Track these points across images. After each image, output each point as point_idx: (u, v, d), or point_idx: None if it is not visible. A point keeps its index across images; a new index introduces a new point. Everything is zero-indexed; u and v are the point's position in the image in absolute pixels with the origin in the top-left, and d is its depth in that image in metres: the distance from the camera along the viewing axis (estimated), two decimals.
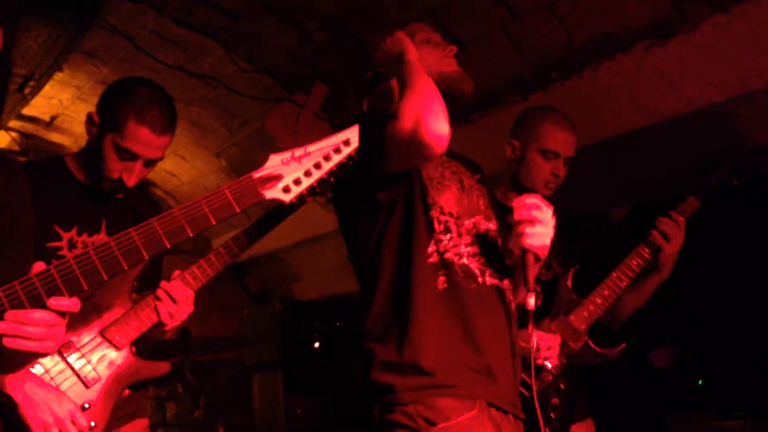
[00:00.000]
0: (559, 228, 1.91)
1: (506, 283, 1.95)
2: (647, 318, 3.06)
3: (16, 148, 5.72)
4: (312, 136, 1.50)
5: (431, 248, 1.84)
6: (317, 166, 1.42)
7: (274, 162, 1.42)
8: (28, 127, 5.53)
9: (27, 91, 4.54)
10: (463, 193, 1.96)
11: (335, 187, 1.79)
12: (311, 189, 1.43)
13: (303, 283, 5.72)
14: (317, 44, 3.74)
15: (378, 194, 1.86)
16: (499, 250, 1.97)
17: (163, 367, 2.18)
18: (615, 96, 2.96)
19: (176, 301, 2.08)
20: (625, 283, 2.51)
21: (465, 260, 1.87)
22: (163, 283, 2.11)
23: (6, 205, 1.51)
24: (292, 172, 1.41)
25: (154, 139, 2.11)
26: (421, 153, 1.72)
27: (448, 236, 1.87)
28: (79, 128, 4.90)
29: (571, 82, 3.11)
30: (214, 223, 1.39)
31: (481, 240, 1.93)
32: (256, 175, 1.40)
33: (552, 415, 2.42)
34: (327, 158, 1.43)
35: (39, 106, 4.99)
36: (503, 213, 2.09)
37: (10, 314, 1.29)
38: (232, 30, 3.83)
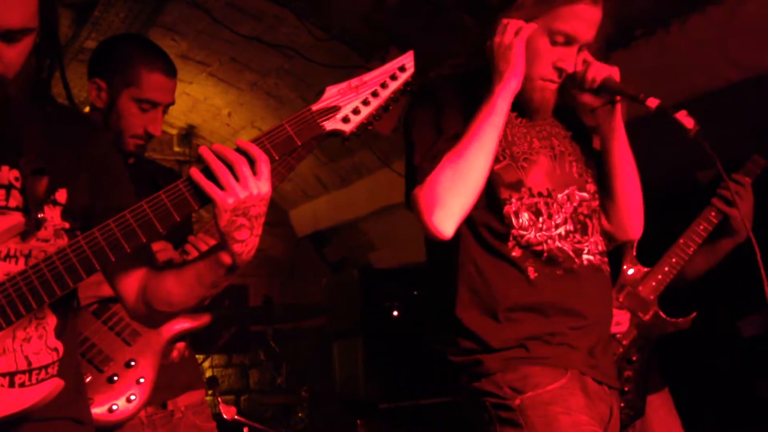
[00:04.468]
0: None
1: (606, 260, 1.87)
2: (736, 284, 2.93)
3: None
4: None
5: (511, 243, 1.76)
6: (375, 94, 1.42)
7: (331, 94, 1.42)
8: None
9: None
10: (555, 162, 1.85)
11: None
12: (371, 117, 1.43)
13: (380, 252, 5.74)
14: (390, 9, 3.69)
15: None
16: (596, 221, 1.88)
17: (203, 318, 2.20)
18: (705, 50, 2.82)
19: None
20: (692, 249, 2.45)
21: (558, 243, 1.78)
22: (191, 238, 2.19)
23: (93, 157, 1.56)
24: (350, 102, 1.41)
25: (169, 83, 2.19)
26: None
27: (540, 220, 1.78)
28: None
29: (657, 37, 2.97)
30: (277, 158, 1.39)
31: (576, 214, 1.83)
32: (315, 107, 1.41)
33: (626, 387, 2.38)
34: (384, 86, 1.43)
35: None
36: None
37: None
38: None
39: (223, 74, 4.77)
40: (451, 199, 1.68)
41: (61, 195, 1.48)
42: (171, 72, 2.21)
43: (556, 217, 1.80)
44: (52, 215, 1.46)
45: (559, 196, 1.82)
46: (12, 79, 1.41)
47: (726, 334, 3.37)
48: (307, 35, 4.07)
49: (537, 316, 1.74)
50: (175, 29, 4.27)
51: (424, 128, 1.79)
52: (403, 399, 4.24)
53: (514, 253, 1.76)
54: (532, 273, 1.76)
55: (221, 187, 1.35)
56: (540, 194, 1.79)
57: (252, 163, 1.36)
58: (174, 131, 5.73)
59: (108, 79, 2.16)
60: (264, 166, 1.36)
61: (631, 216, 1.94)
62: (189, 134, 5.70)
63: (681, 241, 2.46)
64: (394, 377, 4.30)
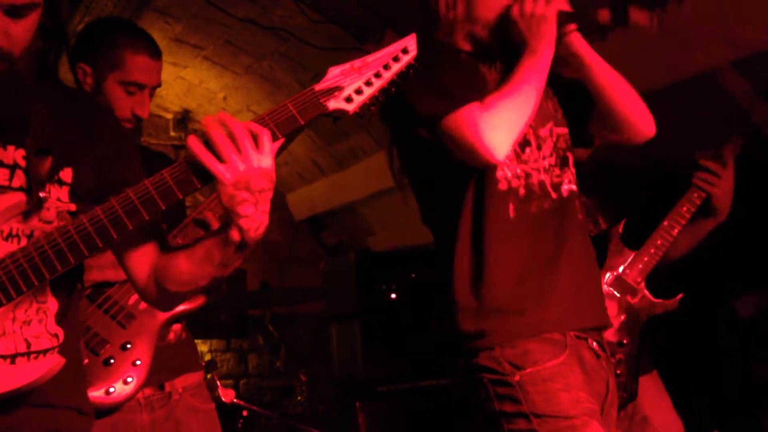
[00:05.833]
0: (606, 182, 1.85)
1: (576, 192, 1.87)
2: (734, 264, 2.93)
3: None
4: None
5: (500, 173, 1.76)
6: (377, 75, 1.43)
7: (334, 74, 1.42)
8: None
9: None
10: None
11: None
12: (374, 98, 1.43)
13: (378, 235, 5.74)
14: None
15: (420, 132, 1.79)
16: (572, 156, 1.89)
17: (198, 300, 2.19)
18: (703, 28, 2.80)
19: None
20: (677, 230, 2.47)
21: (542, 176, 1.79)
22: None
23: (100, 136, 1.55)
24: (353, 83, 1.41)
25: (154, 65, 2.18)
26: (475, 162, 1.70)
27: (528, 150, 1.79)
28: None
29: (654, 15, 2.95)
30: (280, 136, 1.39)
31: (557, 148, 1.85)
32: (318, 87, 1.41)
33: (618, 371, 2.39)
34: (387, 67, 1.43)
35: None
36: None
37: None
38: None
39: (218, 58, 4.74)
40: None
41: (67, 174, 1.47)
42: (155, 53, 2.19)
43: (544, 148, 1.82)
44: (58, 195, 1.45)
45: (541, 130, 1.84)
46: (18, 57, 1.40)
47: (723, 314, 3.38)
48: (302, 17, 4.04)
49: (520, 266, 1.73)
50: (169, 12, 4.23)
51: (426, 84, 1.74)
52: (401, 381, 4.25)
53: (500, 186, 1.76)
54: (512, 212, 1.76)
55: (221, 160, 1.34)
56: (530, 125, 1.79)
57: (254, 137, 1.35)
58: (169, 116, 5.71)
59: (92, 64, 2.15)
60: (266, 140, 1.35)
61: (636, 113, 1.90)
62: (185, 119, 5.69)
63: (665, 223, 2.48)
64: (392, 360, 4.31)
